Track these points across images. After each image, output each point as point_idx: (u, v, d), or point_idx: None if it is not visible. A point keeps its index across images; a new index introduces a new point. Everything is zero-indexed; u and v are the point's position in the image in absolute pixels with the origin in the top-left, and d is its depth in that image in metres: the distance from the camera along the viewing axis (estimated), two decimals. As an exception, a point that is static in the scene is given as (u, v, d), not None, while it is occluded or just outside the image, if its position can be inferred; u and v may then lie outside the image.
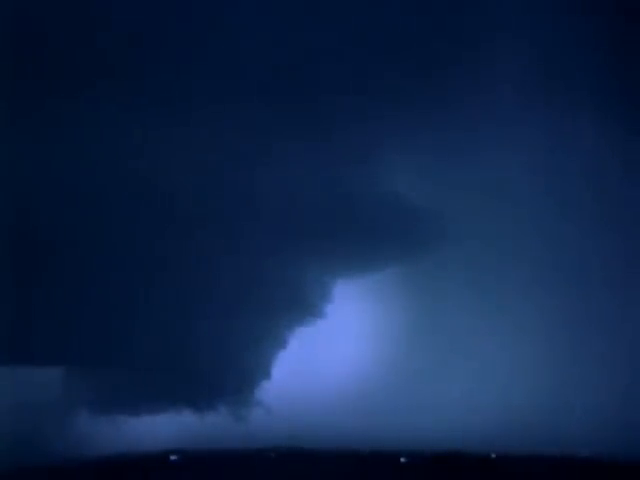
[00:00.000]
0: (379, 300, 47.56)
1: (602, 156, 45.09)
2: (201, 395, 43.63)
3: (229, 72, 42.45)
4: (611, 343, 44.03)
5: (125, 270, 40.67)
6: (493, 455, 41.00)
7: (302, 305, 45.11)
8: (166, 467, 40.46)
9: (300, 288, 45.16)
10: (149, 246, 40.93)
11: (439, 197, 46.08)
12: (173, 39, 41.39)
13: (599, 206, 45.76)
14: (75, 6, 39.22)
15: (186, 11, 41.87)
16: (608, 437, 38.94)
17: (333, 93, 43.46)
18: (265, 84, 42.71)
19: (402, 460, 40.65)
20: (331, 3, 42.91)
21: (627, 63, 45.25)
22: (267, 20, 42.58)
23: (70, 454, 38.84)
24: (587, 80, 45.79)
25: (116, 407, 42.33)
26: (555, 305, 44.76)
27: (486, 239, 46.42)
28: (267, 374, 45.19)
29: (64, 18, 38.98)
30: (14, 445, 37.30)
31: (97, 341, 40.57)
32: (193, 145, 40.91)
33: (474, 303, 46.55)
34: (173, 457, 41.27)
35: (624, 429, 39.41)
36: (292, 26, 42.49)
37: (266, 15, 42.58)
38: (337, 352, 46.77)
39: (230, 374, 43.94)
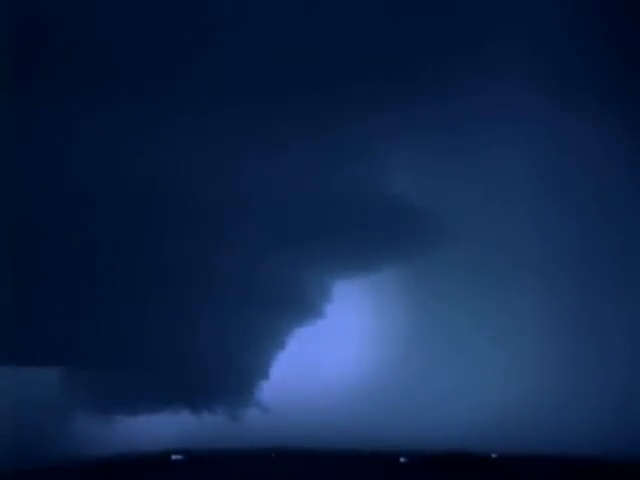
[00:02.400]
0: (378, 300, 47.61)
1: (603, 156, 45.10)
2: (200, 396, 43.64)
3: (227, 73, 42.44)
4: (611, 343, 44.06)
5: (124, 271, 40.65)
6: (493, 455, 41.03)
7: (302, 305, 45.11)
8: (167, 467, 40.49)
9: (300, 288, 45.17)
10: (148, 247, 40.91)
11: (438, 197, 46.10)
12: (172, 41, 41.38)
13: (599, 206, 45.81)
14: (77, 7, 39.26)
15: (185, 10, 41.86)
16: (608, 437, 38.97)
17: (332, 94, 43.45)
18: (264, 85, 42.71)
19: (402, 460, 40.66)
20: (329, 3, 42.91)
21: (628, 64, 45.28)
22: (265, 20, 42.57)
23: (70, 454, 38.87)
24: (589, 80, 45.81)
25: (115, 407, 42.33)
26: (555, 305, 44.80)
27: (485, 239, 46.45)
28: (266, 374, 45.21)
29: (65, 19, 39.00)
30: (14, 445, 37.33)
31: (96, 342, 40.56)
32: (193, 146, 40.91)
33: (474, 303, 46.60)
34: (175, 457, 41.31)
35: (624, 429, 39.44)
36: (291, 26, 42.48)
37: (264, 15, 42.58)
38: (336, 352, 46.82)
39: (229, 374, 43.94)
